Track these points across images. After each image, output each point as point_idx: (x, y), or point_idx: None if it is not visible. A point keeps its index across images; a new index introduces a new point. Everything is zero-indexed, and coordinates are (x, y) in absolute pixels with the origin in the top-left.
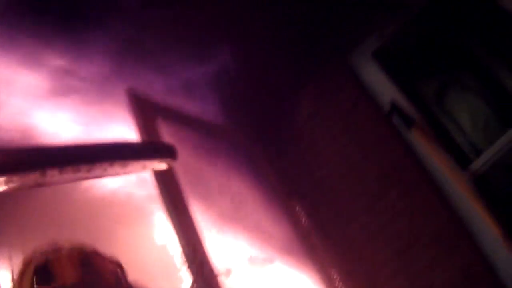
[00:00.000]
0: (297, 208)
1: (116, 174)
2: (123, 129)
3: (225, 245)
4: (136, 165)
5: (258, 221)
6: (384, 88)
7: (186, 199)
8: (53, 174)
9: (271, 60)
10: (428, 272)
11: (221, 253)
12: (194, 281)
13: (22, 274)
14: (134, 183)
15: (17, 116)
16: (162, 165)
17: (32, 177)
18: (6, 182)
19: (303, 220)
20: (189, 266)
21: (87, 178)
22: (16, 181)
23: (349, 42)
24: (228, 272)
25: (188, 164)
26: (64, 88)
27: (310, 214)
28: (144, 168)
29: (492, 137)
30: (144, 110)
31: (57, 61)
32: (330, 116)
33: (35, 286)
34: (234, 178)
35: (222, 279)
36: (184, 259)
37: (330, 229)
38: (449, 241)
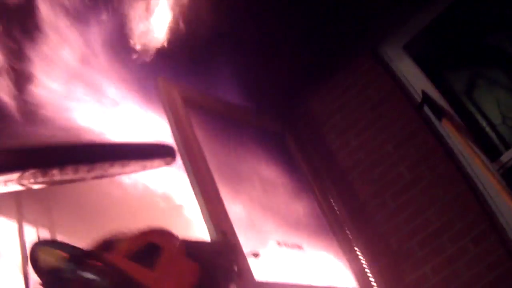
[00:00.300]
0: (326, 194)
1: (116, 174)
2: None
3: (254, 229)
4: (136, 165)
5: (287, 206)
6: (414, 80)
7: (216, 183)
8: (53, 174)
9: (301, 46)
10: (453, 263)
11: (251, 237)
12: (223, 263)
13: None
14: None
15: None
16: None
17: (32, 177)
18: (6, 182)
19: (332, 206)
20: (215, 244)
21: (87, 178)
22: (16, 181)
23: (380, 33)
24: (257, 255)
25: (217, 150)
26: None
27: (338, 200)
28: (144, 168)
29: None
30: (174, 98)
31: None
32: (360, 105)
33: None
34: (263, 163)
35: (251, 262)
36: (214, 242)
37: (358, 216)
38: (477, 234)
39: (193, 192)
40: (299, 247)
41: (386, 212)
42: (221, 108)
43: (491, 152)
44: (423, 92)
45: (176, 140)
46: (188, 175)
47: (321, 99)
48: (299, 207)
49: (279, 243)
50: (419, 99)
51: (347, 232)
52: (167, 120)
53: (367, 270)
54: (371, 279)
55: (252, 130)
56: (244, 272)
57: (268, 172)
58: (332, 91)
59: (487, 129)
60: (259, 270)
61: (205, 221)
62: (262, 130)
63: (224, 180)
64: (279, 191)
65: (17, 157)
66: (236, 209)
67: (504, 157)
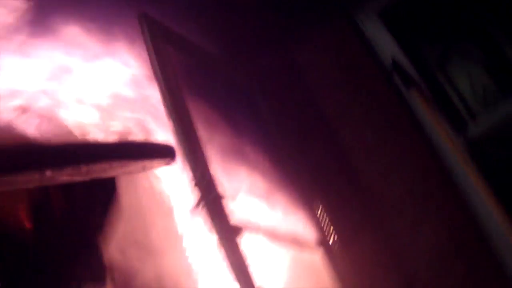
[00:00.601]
0: (291, 148)
1: (116, 174)
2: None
3: (227, 173)
4: (136, 165)
5: (256, 157)
6: (387, 47)
7: (196, 122)
8: (52, 174)
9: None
10: (413, 228)
11: (225, 179)
12: (200, 200)
13: None
14: None
15: None
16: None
17: (32, 177)
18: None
19: (295, 160)
20: (196, 185)
21: (86, 178)
22: (15, 181)
23: None
24: (233, 197)
25: (197, 91)
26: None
27: (301, 156)
28: (144, 168)
29: (490, 105)
30: (156, 36)
31: None
32: (331, 67)
33: None
34: (234, 113)
35: (227, 202)
36: (192, 178)
37: (318, 174)
38: (439, 202)
39: (174, 133)
40: (267, 197)
41: (348, 175)
42: (197, 51)
43: (458, 124)
44: (393, 61)
45: (156, 75)
46: (170, 115)
47: (292, 55)
48: (266, 159)
49: (248, 191)
50: (390, 67)
51: (310, 188)
52: (147, 54)
53: (327, 227)
54: (331, 237)
55: (224, 79)
56: (219, 215)
57: (238, 122)
58: (305, 48)
59: (456, 101)
60: (234, 213)
61: (184, 157)
62: (232, 79)
63: (203, 120)
64: (249, 139)
65: (16, 157)
66: (211, 152)
67: (470, 130)
